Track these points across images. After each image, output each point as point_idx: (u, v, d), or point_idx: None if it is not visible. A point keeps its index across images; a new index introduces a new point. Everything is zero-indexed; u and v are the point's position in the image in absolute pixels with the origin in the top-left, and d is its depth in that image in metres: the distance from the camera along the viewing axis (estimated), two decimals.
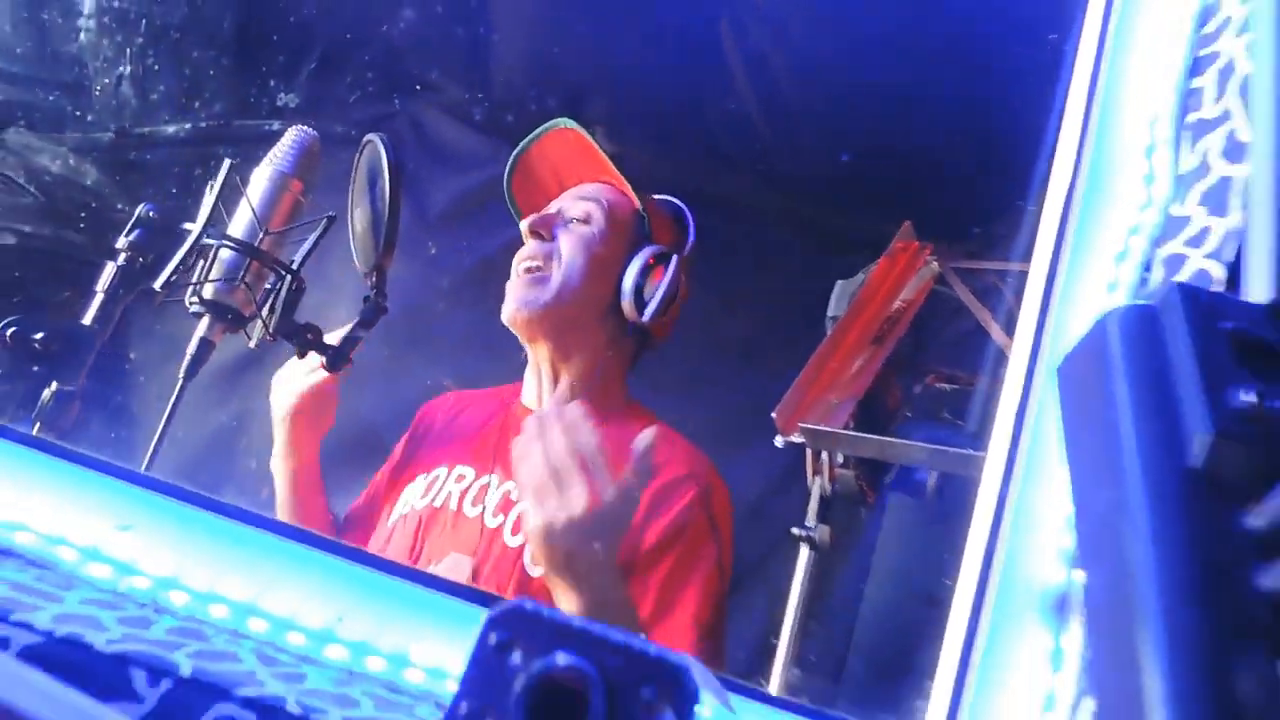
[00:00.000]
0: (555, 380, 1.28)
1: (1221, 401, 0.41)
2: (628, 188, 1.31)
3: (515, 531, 1.10)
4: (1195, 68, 0.67)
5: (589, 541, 0.81)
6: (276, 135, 1.04)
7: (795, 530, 0.94)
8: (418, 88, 2.27)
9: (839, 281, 1.09)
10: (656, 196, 1.42)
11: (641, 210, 1.30)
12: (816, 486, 0.93)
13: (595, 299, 1.26)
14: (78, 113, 2.15)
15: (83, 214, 2.06)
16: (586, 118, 2.29)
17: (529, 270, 1.25)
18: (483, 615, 0.29)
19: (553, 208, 1.31)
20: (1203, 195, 0.62)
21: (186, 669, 0.44)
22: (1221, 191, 0.61)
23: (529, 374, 1.33)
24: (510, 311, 1.24)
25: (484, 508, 1.16)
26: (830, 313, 1.08)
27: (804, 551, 0.92)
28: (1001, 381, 0.88)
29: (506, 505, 1.14)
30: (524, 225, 1.27)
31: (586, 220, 1.26)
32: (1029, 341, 0.65)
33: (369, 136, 1.21)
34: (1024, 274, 1.13)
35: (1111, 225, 0.66)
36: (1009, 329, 0.98)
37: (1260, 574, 0.36)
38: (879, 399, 0.97)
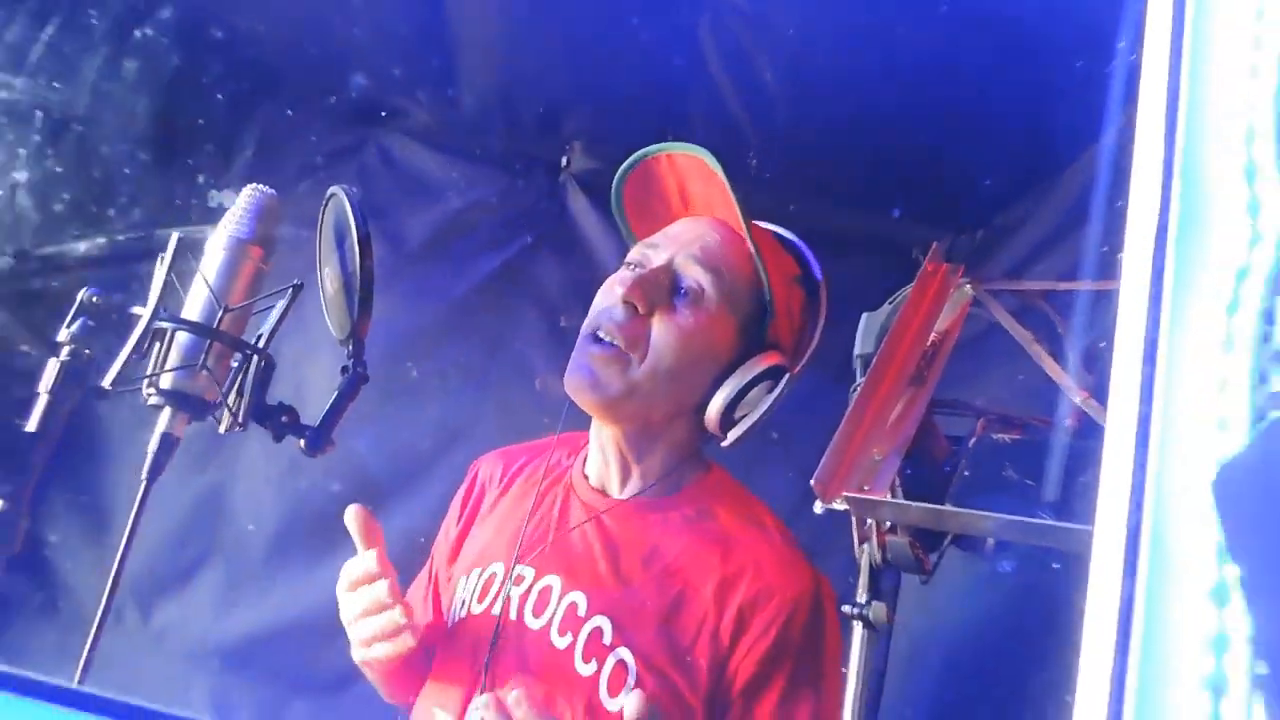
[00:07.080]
0: (624, 469, 1.13)
1: None
2: (751, 249, 1.08)
3: (587, 659, 0.99)
4: None
5: None
6: None
7: (846, 608, 0.84)
8: (383, 114, 2.14)
9: (864, 315, 0.98)
10: (789, 241, 1.19)
11: (766, 287, 1.07)
12: (865, 557, 0.83)
13: (681, 400, 1.09)
14: None
15: None
16: (563, 134, 2.19)
17: (605, 343, 1.07)
18: None
19: (661, 257, 1.10)
20: None
21: None
22: None
23: (594, 450, 1.16)
24: (576, 388, 1.07)
25: (549, 622, 1.04)
26: (857, 350, 0.97)
27: (858, 630, 0.82)
28: (1060, 428, 0.78)
29: (574, 622, 1.02)
30: (619, 289, 1.07)
31: (697, 299, 1.06)
32: (1132, 407, 0.55)
33: (332, 189, 1.10)
34: (1070, 294, 1.03)
35: (1210, 267, 0.56)
36: (1058, 357, 0.88)
37: None
38: (925, 450, 0.87)
